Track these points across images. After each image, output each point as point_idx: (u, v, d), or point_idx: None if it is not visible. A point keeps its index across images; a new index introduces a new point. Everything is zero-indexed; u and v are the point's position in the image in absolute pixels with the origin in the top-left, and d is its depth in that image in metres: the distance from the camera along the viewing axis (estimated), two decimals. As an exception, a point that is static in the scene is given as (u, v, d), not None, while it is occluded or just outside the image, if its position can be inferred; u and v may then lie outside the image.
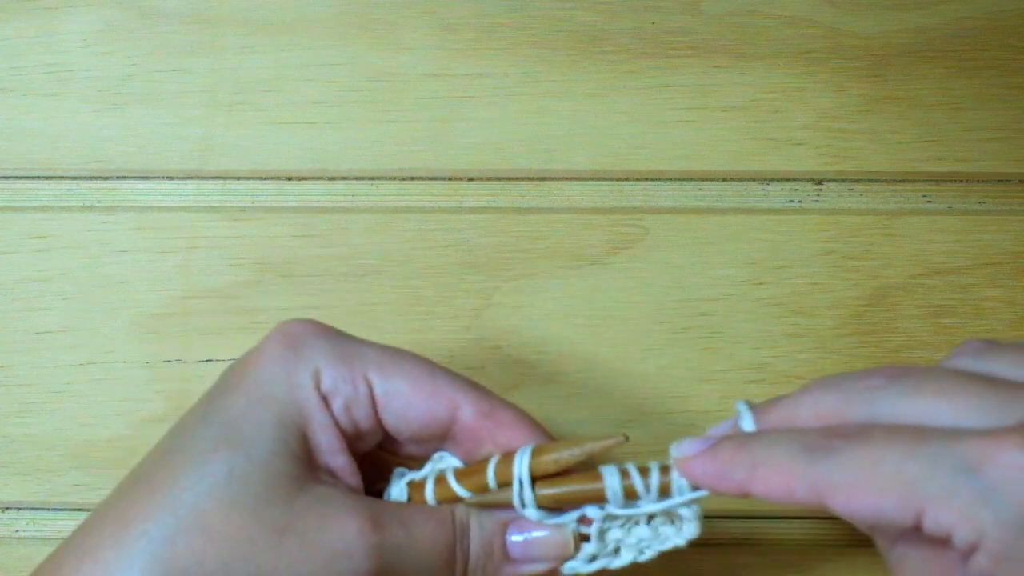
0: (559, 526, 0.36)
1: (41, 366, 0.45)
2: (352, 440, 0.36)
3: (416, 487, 0.37)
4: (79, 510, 0.45)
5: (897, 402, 0.32)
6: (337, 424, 0.35)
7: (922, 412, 0.31)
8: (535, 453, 0.35)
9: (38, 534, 0.45)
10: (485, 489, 0.36)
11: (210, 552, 0.32)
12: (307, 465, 0.34)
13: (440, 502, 0.36)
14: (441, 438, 0.37)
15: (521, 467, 0.35)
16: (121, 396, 0.45)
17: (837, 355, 0.45)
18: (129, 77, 0.46)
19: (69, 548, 0.33)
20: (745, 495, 0.33)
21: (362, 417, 0.35)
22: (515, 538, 0.36)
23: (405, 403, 0.35)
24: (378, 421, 0.36)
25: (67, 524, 0.45)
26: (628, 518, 0.36)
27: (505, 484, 0.35)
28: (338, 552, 0.33)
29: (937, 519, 0.29)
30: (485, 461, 0.36)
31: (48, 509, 0.45)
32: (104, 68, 0.46)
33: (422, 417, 0.35)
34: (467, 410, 0.35)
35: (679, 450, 0.35)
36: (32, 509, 0.45)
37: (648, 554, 0.36)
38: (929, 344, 0.45)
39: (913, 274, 0.46)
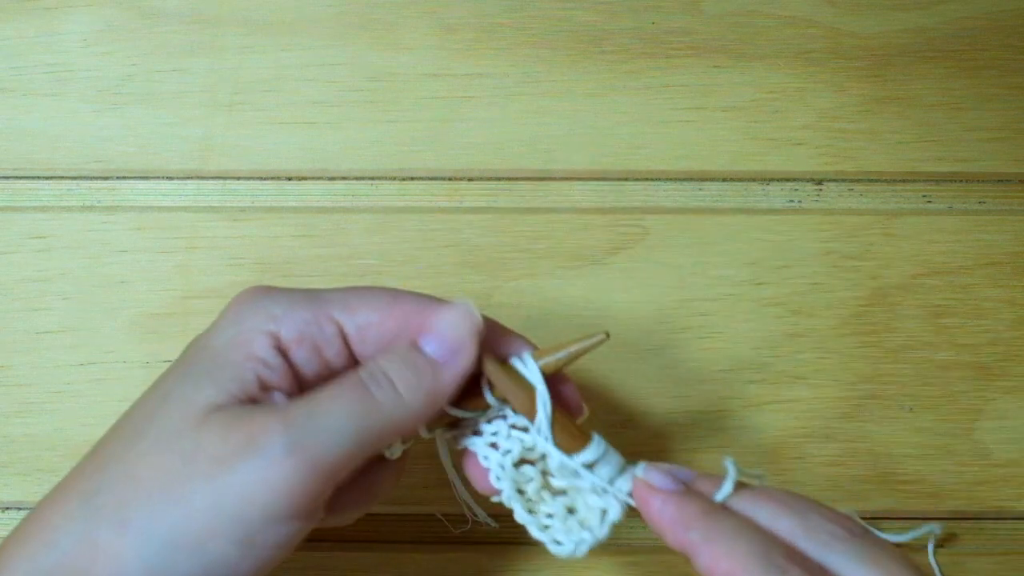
0: (463, 311, 0.36)
1: (41, 366, 0.45)
2: (321, 376, 0.35)
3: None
4: (79, 510, 0.45)
5: (850, 563, 0.33)
6: (294, 372, 0.35)
7: None
8: (541, 354, 0.37)
9: (38, 534, 0.45)
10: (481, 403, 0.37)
11: (137, 496, 0.33)
12: (238, 398, 0.34)
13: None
14: None
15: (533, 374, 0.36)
16: (121, 396, 0.45)
17: (837, 355, 0.45)
18: (129, 77, 0.46)
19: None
20: (683, 552, 0.34)
21: (334, 355, 0.35)
22: (427, 343, 0.35)
23: (378, 331, 0.35)
24: (352, 356, 0.36)
25: (67, 524, 0.45)
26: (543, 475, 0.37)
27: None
28: (251, 455, 0.32)
29: None
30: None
31: (48, 509, 0.45)
32: (104, 68, 0.46)
33: (398, 339, 0.36)
34: (444, 326, 0.36)
35: (647, 474, 0.35)
36: (32, 509, 0.45)
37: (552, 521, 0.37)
38: (929, 344, 0.45)
39: (913, 274, 0.46)
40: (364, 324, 0.35)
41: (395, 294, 0.36)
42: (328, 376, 0.35)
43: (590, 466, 0.36)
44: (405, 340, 0.36)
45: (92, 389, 0.45)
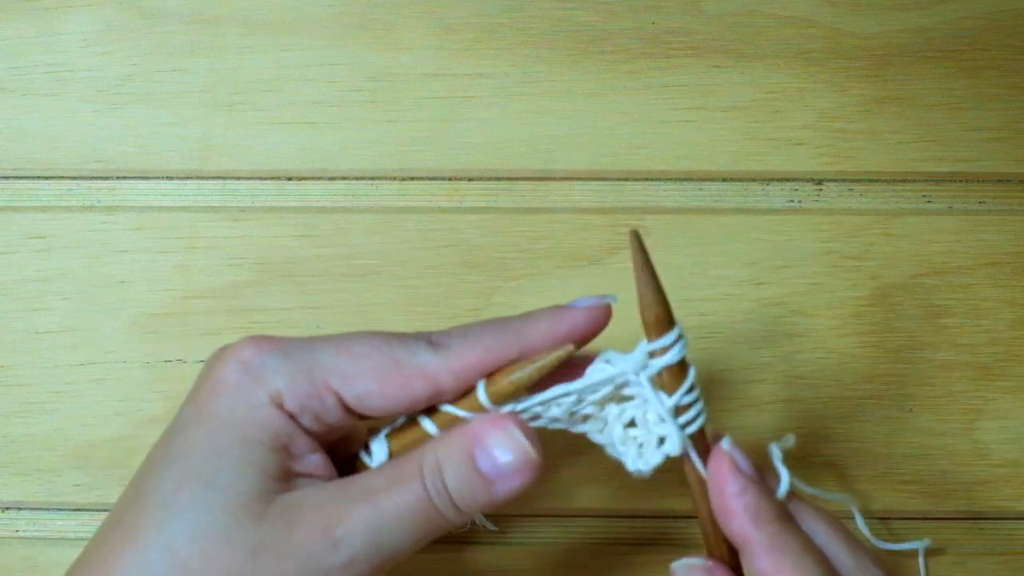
0: (516, 440, 0.35)
1: (41, 366, 0.45)
2: (324, 436, 0.36)
3: (398, 432, 0.37)
4: (79, 510, 0.45)
5: None
6: (309, 431, 0.35)
7: None
8: (491, 383, 0.35)
9: (38, 534, 0.45)
10: (479, 408, 0.35)
11: None
12: (280, 477, 0.34)
13: (439, 428, 0.36)
14: (437, 401, 0.36)
15: (483, 398, 0.35)
16: (121, 396, 0.45)
17: (837, 355, 0.45)
18: (129, 77, 0.46)
19: None
20: (740, 544, 0.34)
21: (334, 420, 0.35)
22: (483, 460, 0.35)
23: (380, 398, 0.35)
24: (354, 415, 0.35)
25: (67, 524, 0.45)
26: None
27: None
28: (311, 553, 0.33)
29: None
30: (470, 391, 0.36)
31: (48, 509, 0.45)
32: (104, 68, 0.46)
33: (403, 404, 0.35)
34: (444, 380, 0.35)
35: (733, 451, 0.35)
36: (32, 509, 0.45)
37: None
38: (929, 344, 0.45)
39: (913, 274, 0.46)
40: (364, 393, 0.35)
41: (393, 354, 0.35)
42: (328, 433, 0.35)
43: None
44: (461, 444, 0.35)
45: (92, 389, 0.45)
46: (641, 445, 0.35)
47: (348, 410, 0.35)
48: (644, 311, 0.35)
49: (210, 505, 0.33)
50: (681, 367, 0.35)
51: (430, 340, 0.36)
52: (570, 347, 0.35)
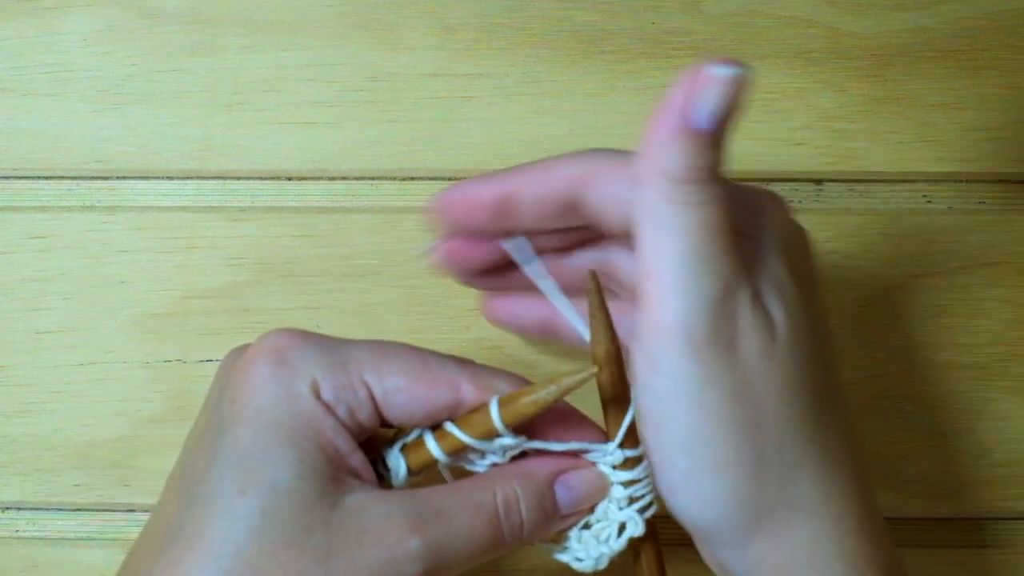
0: (591, 467, 0.36)
1: (41, 366, 0.45)
2: (357, 438, 0.35)
3: (410, 449, 0.36)
4: (79, 510, 0.45)
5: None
6: (345, 426, 0.34)
7: None
8: (507, 403, 0.35)
9: (39, 534, 0.45)
10: (490, 433, 0.35)
11: None
12: (331, 476, 0.33)
13: (447, 454, 0.36)
14: (445, 419, 0.36)
15: (496, 417, 0.35)
16: (121, 396, 0.45)
17: (837, 355, 0.45)
18: (129, 77, 0.46)
19: None
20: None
21: (366, 418, 0.35)
22: (562, 494, 0.36)
23: (406, 398, 0.35)
24: (380, 416, 0.35)
25: (67, 524, 0.45)
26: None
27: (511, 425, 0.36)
28: (384, 564, 0.33)
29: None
30: (481, 409, 0.35)
31: (48, 509, 0.45)
32: (104, 68, 0.46)
33: (425, 407, 0.35)
34: (467, 388, 0.35)
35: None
36: (32, 509, 0.45)
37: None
38: (929, 344, 0.45)
39: (913, 274, 0.46)
40: (392, 389, 0.35)
41: (424, 357, 0.35)
42: (357, 434, 0.35)
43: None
44: (544, 476, 0.36)
45: (92, 389, 0.45)
46: (602, 541, 0.37)
47: (377, 410, 0.35)
48: (595, 347, 0.35)
49: (277, 510, 0.32)
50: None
51: (458, 358, 0.36)
52: (595, 370, 0.35)
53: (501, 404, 0.35)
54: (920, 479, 0.45)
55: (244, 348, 0.36)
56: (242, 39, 0.46)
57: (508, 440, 0.35)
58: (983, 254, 0.46)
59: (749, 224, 0.35)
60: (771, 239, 0.35)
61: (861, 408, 0.45)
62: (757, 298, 0.33)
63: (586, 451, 0.36)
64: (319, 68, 0.46)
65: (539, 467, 0.36)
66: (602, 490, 0.36)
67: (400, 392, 0.35)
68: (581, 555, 0.37)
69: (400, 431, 0.37)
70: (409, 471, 0.36)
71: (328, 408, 0.34)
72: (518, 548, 0.36)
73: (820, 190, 0.46)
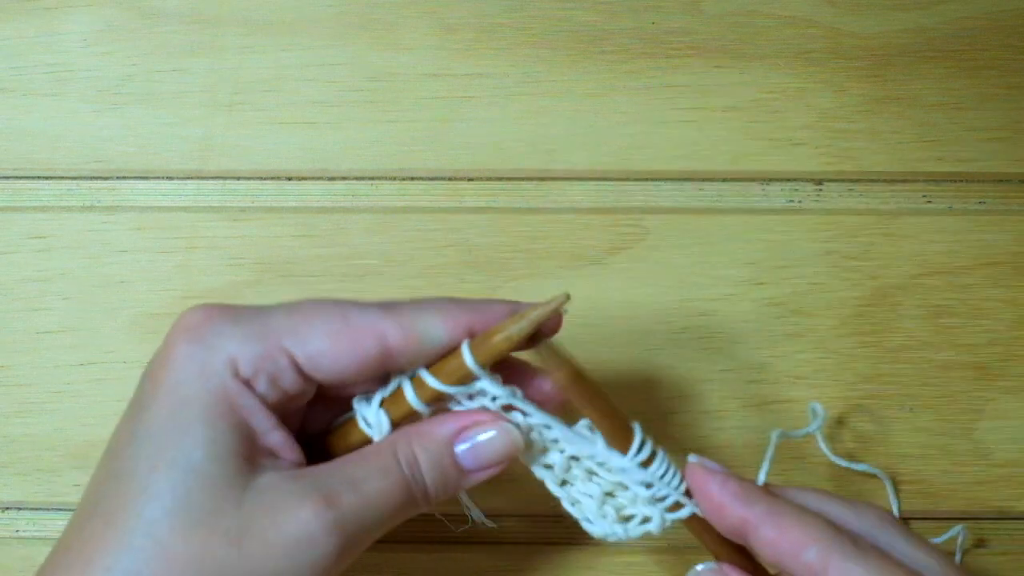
0: (502, 424, 0.36)
1: (41, 366, 0.45)
2: (286, 405, 0.35)
3: (391, 401, 0.36)
4: (79, 510, 0.45)
5: (903, 544, 0.35)
6: (265, 403, 0.34)
7: (915, 563, 0.34)
8: (479, 343, 0.35)
9: (38, 534, 0.45)
10: (467, 377, 0.35)
11: (176, 575, 0.32)
12: (245, 456, 0.34)
13: (426, 403, 0.36)
14: (381, 369, 0.36)
15: (468, 359, 0.35)
16: (121, 396, 0.45)
17: (837, 355, 0.45)
18: (129, 77, 0.46)
19: None
20: (740, 533, 0.35)
21: (289, 384, 0.35)
22: (462, 448, 0.36)
23: (331, 358, 0.34)
24: (307, 380, 0.35)
25: (67, 524, 0.45)
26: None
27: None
28: (299, 541, 0.33)
29: None
30: (455, 352, 0.35)
31: (48, 509, 0.45)
32: (104, 68, 0.46)
33: (353, 363, 0.35)
34: (392, 334, 0.35)
35: (701, 460, 0.36)
36: (32, 509, 0.45)
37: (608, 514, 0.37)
38: (929, 344, 0.45)
39: (913, 274, 0.46)
40: (315, 352, 0.34)
41: (343, 311, 0.35)
42: (285, 401, 0.35)
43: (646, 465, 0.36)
44: (441, 434, 0.36)
45: (92, 389, 0.45)
46: (627, 518, 0.37)
47: (302, 374, 0.35)
48: (554, 373, 0.35)
49: (188, 490, 0.32)
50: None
51: (383, 304, 0.35)
52: (564, 297, 0.34)
53: (473, 344, 0.35)
54: (920, 479, 0.45)
55: (180, 316, 0.36)
56: (242, 39, 0.46)
57: (488, 385, 0.35)
58: (983, 254, 0.46)
59: None
60: None
61: (861, 408, 0.45)
62: None
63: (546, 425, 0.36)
64: (319, 68, 0.46)
65: (439, 426, 0.36)
66: (510, 446, 0.36)
67: (323, 355, 0.34)
68: (593, 519, 0.37)
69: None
70: (392, 425, 0.36)
71: (246, 385, 0.34)
72: (430, 507, 0.36)
73: (820, 190, 0.46)
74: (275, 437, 0.35)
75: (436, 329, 0.35)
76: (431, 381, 0.35)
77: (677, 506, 0.36)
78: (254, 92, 0.46)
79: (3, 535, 0.45)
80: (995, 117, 0.46)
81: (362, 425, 0.36)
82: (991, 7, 0.46)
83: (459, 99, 0.46)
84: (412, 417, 0.36)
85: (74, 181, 0.46)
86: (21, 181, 0.46)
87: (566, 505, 0.38)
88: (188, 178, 0.46)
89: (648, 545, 0.45)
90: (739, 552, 0.37)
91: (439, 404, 0.36)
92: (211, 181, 0.46)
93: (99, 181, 0.46)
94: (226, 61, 0.46)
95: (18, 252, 0.46)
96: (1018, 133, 0.46)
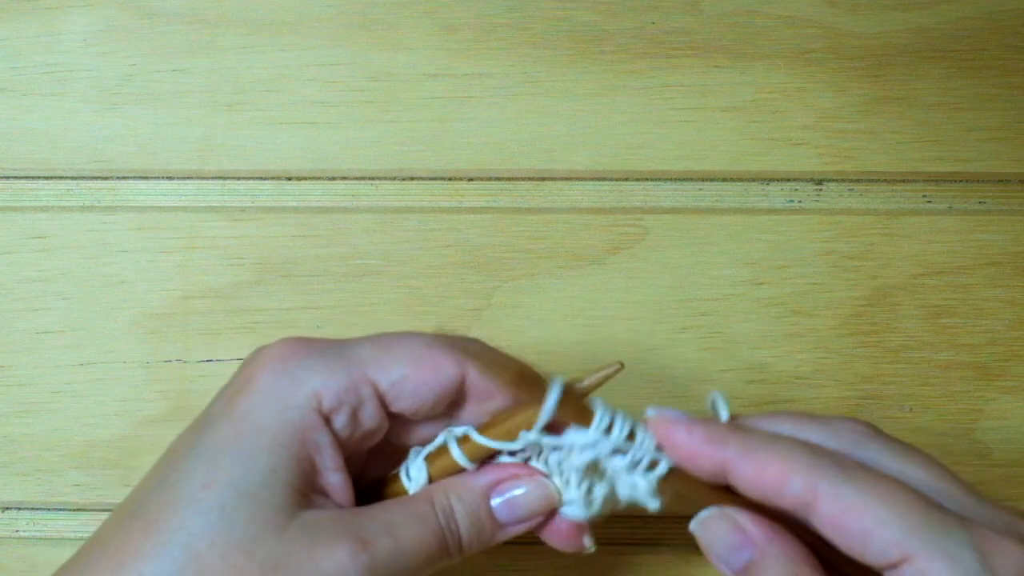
0: (538, 480, 0.36)
1: (41, 366, 0.45)
2: (357, 443, 0.36)
3: (434, 457, 0.37)
4: (79, 510, 0.45)
5: (885, 457, 0.33)
6: (337, 441, 0.35)
7: (904, 475, 0.33)
8: (533, 413, 0.35)
9: (38, 534, 0.45)
10: (513, 437, 0.35)
11: None
12: (299, 490, 0.34)
13: (471, 460, 0.36)
14: (456, 404, 0.36)
15: (551, 403, 0.35)
16: (121, 396, 0.45)
17: (837, 355, 0.45)
18: (129, 77, 0.46)
19: None
20: (721, 475, 0.33)
21: (369, 417, 0.35)
22: (496, 502, 0.36)
23: (413, 386, 0.35)
24: (386, 414, 0.36)
25: (67, 524, 0.45)
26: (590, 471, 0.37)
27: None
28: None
29: (924, 570, 0.30)
30: (506, 413, 0.36)
31: (48, 509, 0.45)
32: (104, 68, 0.46)
33: (434, 390, 0.35)
34: (473, 367, 0.35)
35: (660, 412, 0.35)
36: (32, 509, 0.45)
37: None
38: (929, 344, 0.45)
39: (913, 274, 0.46)
40: (399, 379, 0.35)
41: (426, 340, 0.36)
42: (358, 439, 0.35)
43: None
44: (477, 486, 0.36)
45: (92, 389, 0.45)
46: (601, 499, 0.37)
47: (383, 406, 0.35)
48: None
49: (236, 511, 0.33)
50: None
51: (465, 338, 0.37)
52: (618, 365, 0.35)
53: (527, 418, 0.35)
54: (920, 479, 0.45)
55: (263, 348, 0.36)
56: (242, 39, 0.46)
57: (533, 438, 0.35)
58: (983, 254, 0.46)
59: None
60: None
61: (861, 408, 0.45)
62: None
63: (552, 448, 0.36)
64: (319, 68, 0.46)
65: (475, 478, 0.36)
66: (546, 500, 0.36)
67: (406, 381, 0.35)
68: (575, 500, 0.37)
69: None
70: (430, 479, 0.37)
71: (324, 421, 0.34)
72: (460, 558, 0.36)
73: (820, 190, 0.46)
74: (334, 477, 0.35)
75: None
76: (478, 438, 0.36)
77: (655, 464, 0.35)
78: (254, 92, 0.46)
79: (3, 535, 0.45)
80: (995, 117, 0.46)
81: (402, 476, 0.37)
82: (991, 7, 0.46)
83: (459, 99, 0.46)
84: (456, 473, 0.37)
85: (74, 181, 0.46)
86: (21, 181, 0.46)
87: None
88: (188, 178, 0.46)
89: (648, 545, 0.45)
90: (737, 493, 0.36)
91: (484, 460, 0.37)
92: (211, 181, 0.46)
93: (99, 181, 0.46)
94: (226, 61, 0.46)
95: (18, 252, 0.46)
96: (1018, 133, 0.46)
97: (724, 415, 0.36)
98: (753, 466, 0.33)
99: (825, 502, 0.32)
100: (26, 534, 0.45)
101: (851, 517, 0.31)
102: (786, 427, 0.35)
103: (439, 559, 0.35)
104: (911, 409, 0.45)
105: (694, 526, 0.35)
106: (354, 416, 0.35)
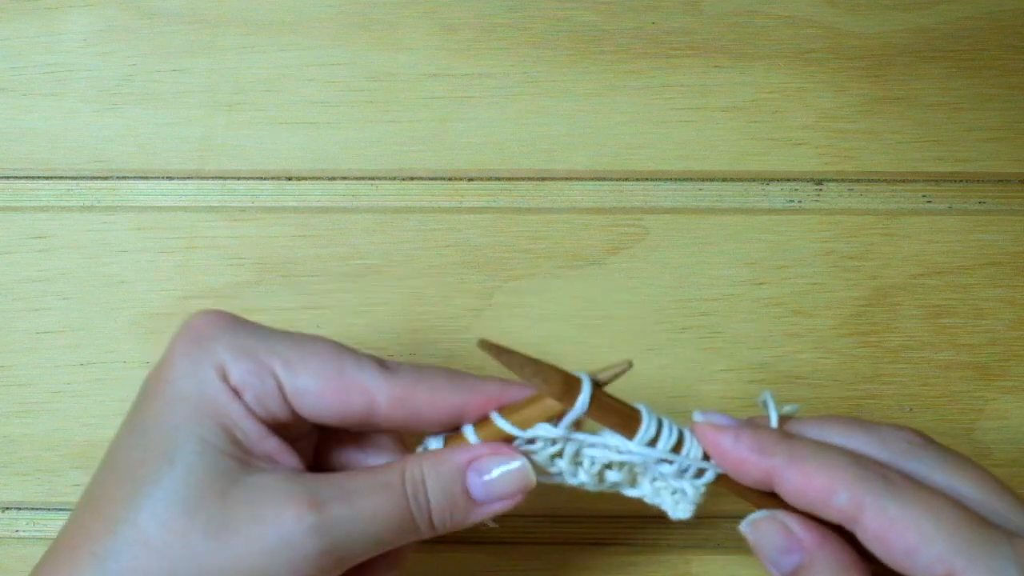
0: (518, 459, 0.36)
1: (41, 366, 0.45)
2: (282, 428, 0.35)
3: (451, 439, 0.37)
4: (79, 510, 0.45)
5: (933, 468, 0.33)
6: (254, 412, 0.34)
7: (952, 488, 0.33)
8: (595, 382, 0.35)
9: (38, 534, 0.45)
10: (527, 426, 0.35)
11: (153, 563, 0.32)
12: (235, 456, 0.34)
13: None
14: (363, 425, 0.36)
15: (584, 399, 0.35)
16: (121, 396, 0.45)
17: (837, 355, 0.45)
18: (129, 77, 0.46)
19: None
20: (768, 483, 0.34)
21: (276, 408, 0.35)
22: (474, 480, 0.35)
23: (315, 400, 0.35)
24: (292, 413, 0.35)
25: (67, 524, 0.45)
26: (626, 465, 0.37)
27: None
28: (279, 540, 0.33)
29: None
30: (533, 402, 0.36)
31: (48, 509, 0.45)
32: (104, 68, 0.46)
33: (336, 412, 0.35)
34: (382, 399, 0.35)
35: (707, 417, 0.35)
36: (32, 509, 0.45)
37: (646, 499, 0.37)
38: (929, 344, 0.45)
39: (913, 274, 0.46)
40: (302, 389, 0.35)
41: (341, 360, 0.35)
42: (272, 423, 0.35)
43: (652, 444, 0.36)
44: (454, 461, 0.35)
45: (92, 389, 0.45)
46: (674, 493, 0.36)
47: (288, 405, 0.35)
48: (551, 387, 0.35)
49: (171, 480, 0.33)
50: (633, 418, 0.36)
51: (382, 362, 0.36)
52: (627, 364, 0.35)
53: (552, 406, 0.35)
54: (920, 479, 0.45)
55: (185, 320, 0.36)
56: (242, 39, 0.46)
57: (550, 431, 0.35)
58: (983, 254, 0.46)
59: None
60: None
61: (861, 408, 0.45)
62: None
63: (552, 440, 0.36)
64: (319, 68, 0.46)
65: (453, 453, 0.36)
66: (524, 480, 0.36)
67: (310, 394, 0.35)
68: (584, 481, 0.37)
69: None
70: None
71: (235, 392, 0.34)
72: (433, 534, 0.35)
73: (820, 190, 0.46)
74: (270, 444, 0.35)
75: (427, 408, 0.35)
76: (501, 423, 0.36)
77: (702, 472, 0.36)
78: (254, 92, 0.46)
79: (3, 535, 0.45)
80: (995, 117, 0.46)
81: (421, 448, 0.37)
82: (991, 7, 0.46)
83: (459, 99, 0.46)
84: None
85: (74, 181, 0.46)
86: (21, 181, 0.46)
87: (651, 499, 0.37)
88: (188, 178, 0.46)
89: (646, 545, 0.45)
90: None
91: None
92: (211, 181, 0.46)
93: (99, 181, 0.46)
94: (226, 61, 0.46)
95: (18, 252, 0.46)
96: (1018, 133, 0.46)
97: (774, 418, 0.36)
98: (799, 477, 0.33)
99: (870, 517, 0.32)
100: (26, 534, 0.45)
101: (896, 533, 0.31)
102: (836, 434, 0.35)
103: (403, 531, 0.35)
104: (911, 409, 0.45)
105: (745, 527, 0.35)
106: (261, 401, 0.35)
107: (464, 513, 0.36)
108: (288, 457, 0.35)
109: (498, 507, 0.36)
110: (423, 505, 0.35)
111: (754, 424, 0.35)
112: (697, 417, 0.35)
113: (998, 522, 0.32)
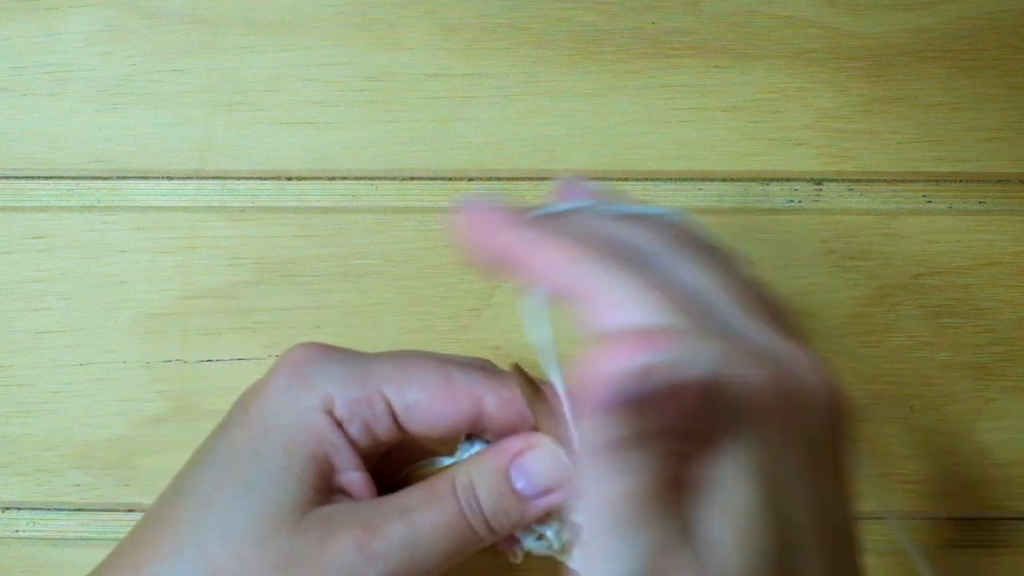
0: (546, 445, 0.35)
1: (41, 366, 0.45)
2: (373, 449, 0.36)
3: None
4: (79, 510, 0.45)
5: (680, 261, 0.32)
6: (351, 444, 0.35)
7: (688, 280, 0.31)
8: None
9: (38, 534, 0.45)
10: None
11: None
12: (317, 488, 0.34)
13: None
14: (471, 430, 0.36)
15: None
16: (121, 396, 0.45)
17: (837, 355, 0.45)
18: (129, 77, 0.46)
19: None
20: (502, 263, 0.31)
21: (383, 430, 0.35)
22: (518, 476, 0.35)
23: (426, 412, 0.35)
24: (400, 429, 0.36)
25: (67, 524, 0.45)
26: None
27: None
28: (341, 569, 0.33)
29: None
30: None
31: (48, 509, 0.45)
32: (104, 68, 0.46)
33: (446, 421, 0.35)
34: (490, 402, 0.35)
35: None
36: (32, 509, 0.45)
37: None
38: (929, 344, 0.45)
39: (913, 274, 0.46)
40: (413, 403, 0.35)
41: (447, 370, 0.35)
42: (375, 447, 0.35)
43: None
44: (496, 462, 0.35)
45: (92, 389, 0.45)
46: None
47: (397, 423, 0.35)
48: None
49: (246, 509, 0.33)
50: None
51: (486, 367, 0.36)
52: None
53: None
54: (920, 479, 0.45)
55: (284, 353, 0.36)
56: (242, 39, 0.46)
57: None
58: (983, 254, 0.46)
59: (720, 438, 0.28)
60: (742, 460, 0.28)
61: (861, 408, 0.45)
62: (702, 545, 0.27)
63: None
64: (319, 68, 0.46)
65: (496, 450, 0.35)
66: (559, 468, 0.35)
67: (420, 407, 0.35)
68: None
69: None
70: None
71: (337, 424, 0.34)
72: (494, 539, 0.35)
73: (820, 190, 0.46)
74: (353, 476, 0.35)
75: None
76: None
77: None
78: (254, 92, 0.46)
79: (3, 535, 0.45)
80: (995, 117, 0.46)
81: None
82: (991, 7, 0.46)
83: (459, 99, 0.46)
84: None
85: (74, 181, 0.46)
86: (21, 181, 0.46)
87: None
88: (188, 178, 0.46)
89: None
90: None
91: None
92: (211, 181, 0.46)
93: (99, 181, 0.46)
94: (226, 61, 0.46)
95: (18, 252, 0.46)
96: (1018, 133, 0.46)
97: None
98: (537, 250, 0.31)
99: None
100: (26, 534, 0.45)
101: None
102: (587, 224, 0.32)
103: (465, 542, 0.34)
104: (912, 409, 0.45)
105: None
106: (367, 428, 0.35)
107: (518, 511, 0.35)
108: (365, 488, 0.35)
109: (548, 500, 0.35)
110: (476, 510, 0.35)
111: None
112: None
113: (720, 322, 0.29)
